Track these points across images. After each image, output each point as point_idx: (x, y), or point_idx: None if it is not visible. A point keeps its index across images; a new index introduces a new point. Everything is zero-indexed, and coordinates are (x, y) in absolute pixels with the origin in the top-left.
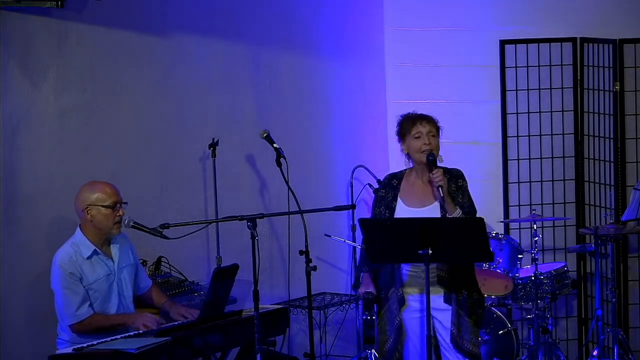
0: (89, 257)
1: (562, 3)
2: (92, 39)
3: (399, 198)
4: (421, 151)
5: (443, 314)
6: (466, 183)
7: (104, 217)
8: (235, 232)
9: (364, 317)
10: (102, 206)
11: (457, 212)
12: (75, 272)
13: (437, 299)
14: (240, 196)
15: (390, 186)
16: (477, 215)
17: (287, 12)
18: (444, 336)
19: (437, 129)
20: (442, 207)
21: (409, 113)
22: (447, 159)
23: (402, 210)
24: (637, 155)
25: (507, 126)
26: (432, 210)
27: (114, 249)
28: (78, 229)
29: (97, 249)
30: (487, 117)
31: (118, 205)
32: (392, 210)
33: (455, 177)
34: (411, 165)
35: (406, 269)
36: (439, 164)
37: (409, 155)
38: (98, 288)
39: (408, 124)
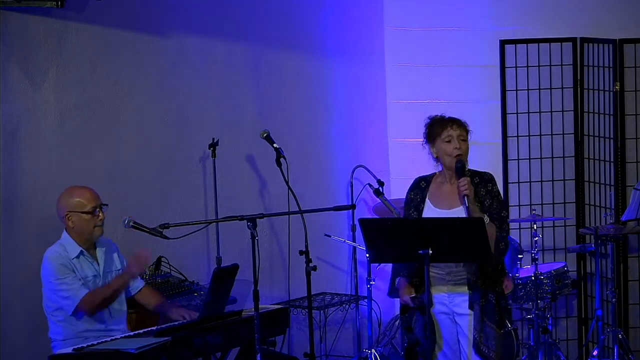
0: (77, 257)
1: (562, 3)
2: (92, 39)
3: (427, 200)
4: (453, 155)
5: (463, 319)
6: (497, 187)
7: (85, 223)
8: (235, 232)
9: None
10: (82, 212)
11: (485, 220)
12: (67, 264)
13: (462, 303)
14: (240, 196)
15: (418, 188)
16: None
17: (287, 12)
18: (463, 342)
19: (467, 132)
20: (468, 215)
21: (438, 116)
22: None
23: (430, 211)
24: (637, 155)
25: (507, 126)
26: (459, 212)
27: (99, 253)
28: (64, 231)
29: (83, 249)
30: (487, 117)
31: (97, 209)
32: (420, 211)
33: (485, 181)
34: (440, 169)
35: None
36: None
37: (437, 159)
38: (85, 286)
39: (438, 127)
